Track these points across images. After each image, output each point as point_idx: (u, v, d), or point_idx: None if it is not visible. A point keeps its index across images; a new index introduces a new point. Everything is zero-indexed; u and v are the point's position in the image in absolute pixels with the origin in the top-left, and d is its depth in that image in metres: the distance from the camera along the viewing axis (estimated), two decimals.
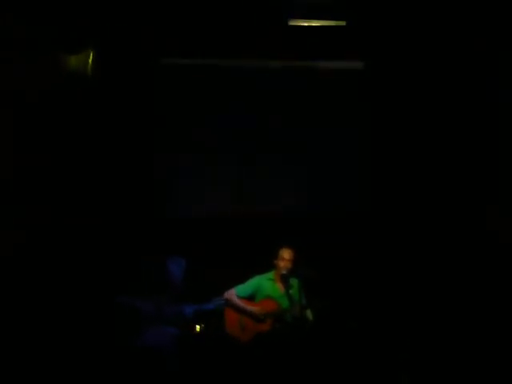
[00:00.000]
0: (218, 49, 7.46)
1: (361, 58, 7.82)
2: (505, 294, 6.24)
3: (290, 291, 5.99)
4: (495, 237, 6.49)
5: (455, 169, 7.07)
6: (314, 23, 7.29)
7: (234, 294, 6.11)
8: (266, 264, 6.28)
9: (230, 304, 6.07)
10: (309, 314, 6.00)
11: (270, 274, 6.25)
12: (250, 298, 6.15)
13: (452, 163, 7.11)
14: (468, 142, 6.96)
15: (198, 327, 6.29)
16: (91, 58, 6.13)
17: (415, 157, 7.40)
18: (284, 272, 6.06)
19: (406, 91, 7.54)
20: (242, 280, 6.24)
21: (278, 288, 6.14)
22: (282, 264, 6.12)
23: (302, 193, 7.57)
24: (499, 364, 5.65)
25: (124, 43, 7.01)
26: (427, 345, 6.05)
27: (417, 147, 7.39)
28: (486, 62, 6.82)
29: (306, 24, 7.28)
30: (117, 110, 7.19)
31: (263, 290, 6.16)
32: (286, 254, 6.15)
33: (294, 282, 6.05)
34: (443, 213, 7.11)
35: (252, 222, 7.34)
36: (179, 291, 5.91)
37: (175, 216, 7.41)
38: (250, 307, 6.04)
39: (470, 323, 6.20)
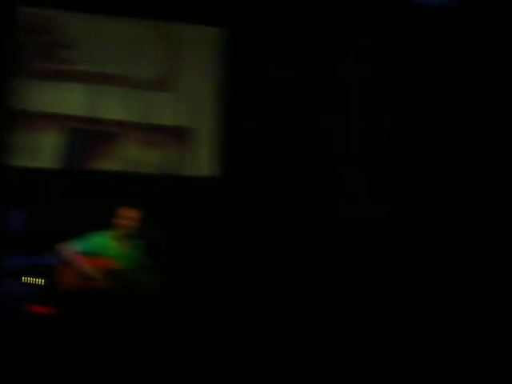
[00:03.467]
0: None
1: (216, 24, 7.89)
2: None
3: (133, 251, 5.91)
4: None
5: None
6: None
7: (70, 249, 5.83)
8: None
9: (65, 260, 5.80)
10: (150, 275, 5.92)
11: (111, 233, 6.03)
12: (88, 254, 5.90)
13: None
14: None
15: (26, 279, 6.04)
16: None
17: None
18: (127, 231, 5.93)
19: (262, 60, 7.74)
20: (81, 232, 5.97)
21: (120, 247, 5.97)
22: (126, 223, 5.96)
23: None
24: None
25: None
26: None
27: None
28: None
29: None
30: None
31: (103, 248, 5.93)
32: (131, 213, 6.00)
33: (137, 242, 5.99)
34: None
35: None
36: (18, 241, 5.59)
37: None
38: (87, 267, 5.80)
39: None
